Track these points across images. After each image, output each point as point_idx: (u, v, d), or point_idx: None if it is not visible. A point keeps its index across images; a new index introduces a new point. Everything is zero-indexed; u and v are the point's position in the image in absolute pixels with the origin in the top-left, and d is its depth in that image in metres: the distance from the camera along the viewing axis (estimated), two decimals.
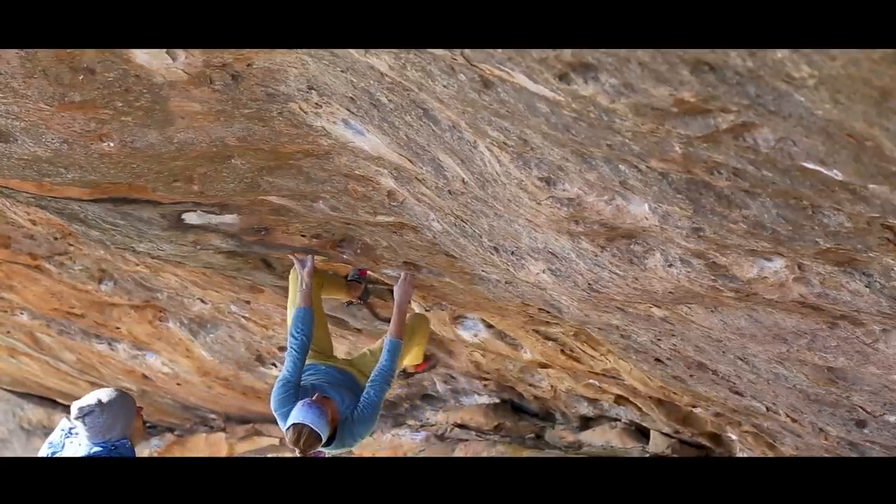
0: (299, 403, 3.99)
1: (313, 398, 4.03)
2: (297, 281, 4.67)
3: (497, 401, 7.31)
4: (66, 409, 10.13)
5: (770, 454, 5.43)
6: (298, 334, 4.34)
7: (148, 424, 4.24)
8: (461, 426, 7.46)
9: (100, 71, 3.11)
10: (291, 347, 4.32)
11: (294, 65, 3.06)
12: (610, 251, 3.22)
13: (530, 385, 6.66)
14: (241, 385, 7.84)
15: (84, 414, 3.69)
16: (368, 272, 5.04)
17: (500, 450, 7.00)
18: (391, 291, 4.64)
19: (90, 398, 3.75)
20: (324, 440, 3.97)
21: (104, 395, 3.76)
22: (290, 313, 4.69)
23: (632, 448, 6.53)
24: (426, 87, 2.70)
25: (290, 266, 4.79)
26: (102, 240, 4.93)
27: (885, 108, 1.81)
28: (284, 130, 3.45)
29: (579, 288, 3.66)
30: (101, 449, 3.68)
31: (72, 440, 3.80)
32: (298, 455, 3.93)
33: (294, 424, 3.91)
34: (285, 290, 5.06)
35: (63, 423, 3.90)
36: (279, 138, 3.52)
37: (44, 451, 3.83)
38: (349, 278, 5.11)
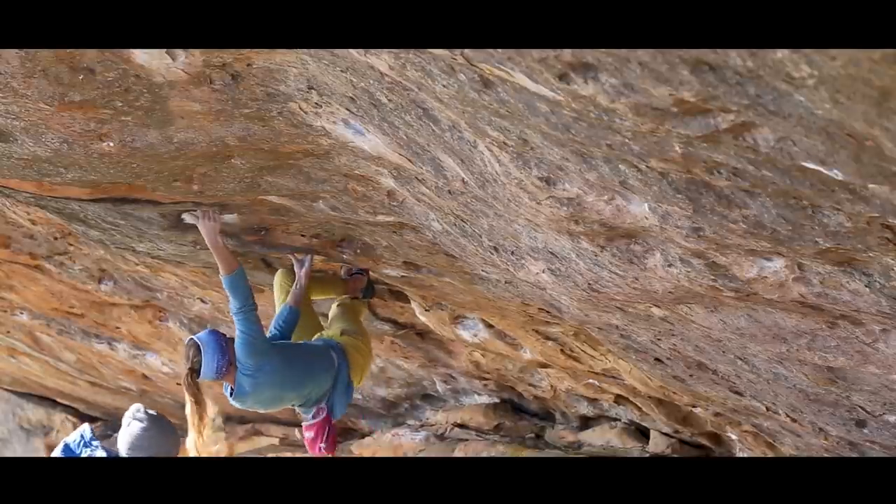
0: (209, 328, 4.25)
1: (226, 335, 4.18)
2: (283, 280, 4.82)
3: (497, 400, 7.31)
4: (66, 409, 10.15)
5: (770, 454, 5.43)
6: (277, 329, 4.57)
7: None
8: (461, 426, 7.45)
9: (100, 71, 3.10)
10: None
11: (294, 65, 3.06)
12: (610, 251, 3.22)
13: (530, 385, 6.66)
14: None
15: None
16: (370, 272, 5.03)
17: (500, 450, 7.00)
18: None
19: (139, 440, 3.75)
20: (205, 371, 4.07)
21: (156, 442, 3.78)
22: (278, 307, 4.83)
23: (632, 448, 6.52)
24: (426, 87, 2.70)
25: (290, 266, 4.80)
26: (102, 240, 4.92)
27: (885, 108, 1.81)
28: (284, 130, 3.45)
29: (579, 288, 3.66)
30: None
31: (91, 452, 3.77)
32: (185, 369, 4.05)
33: (189, 339, 4.15)
34: None
35: (85, 430, 3.87)
36: (279, 138, 3.52)
37: (57, 452, 3.83)
38: (350, 275, 5.12)
